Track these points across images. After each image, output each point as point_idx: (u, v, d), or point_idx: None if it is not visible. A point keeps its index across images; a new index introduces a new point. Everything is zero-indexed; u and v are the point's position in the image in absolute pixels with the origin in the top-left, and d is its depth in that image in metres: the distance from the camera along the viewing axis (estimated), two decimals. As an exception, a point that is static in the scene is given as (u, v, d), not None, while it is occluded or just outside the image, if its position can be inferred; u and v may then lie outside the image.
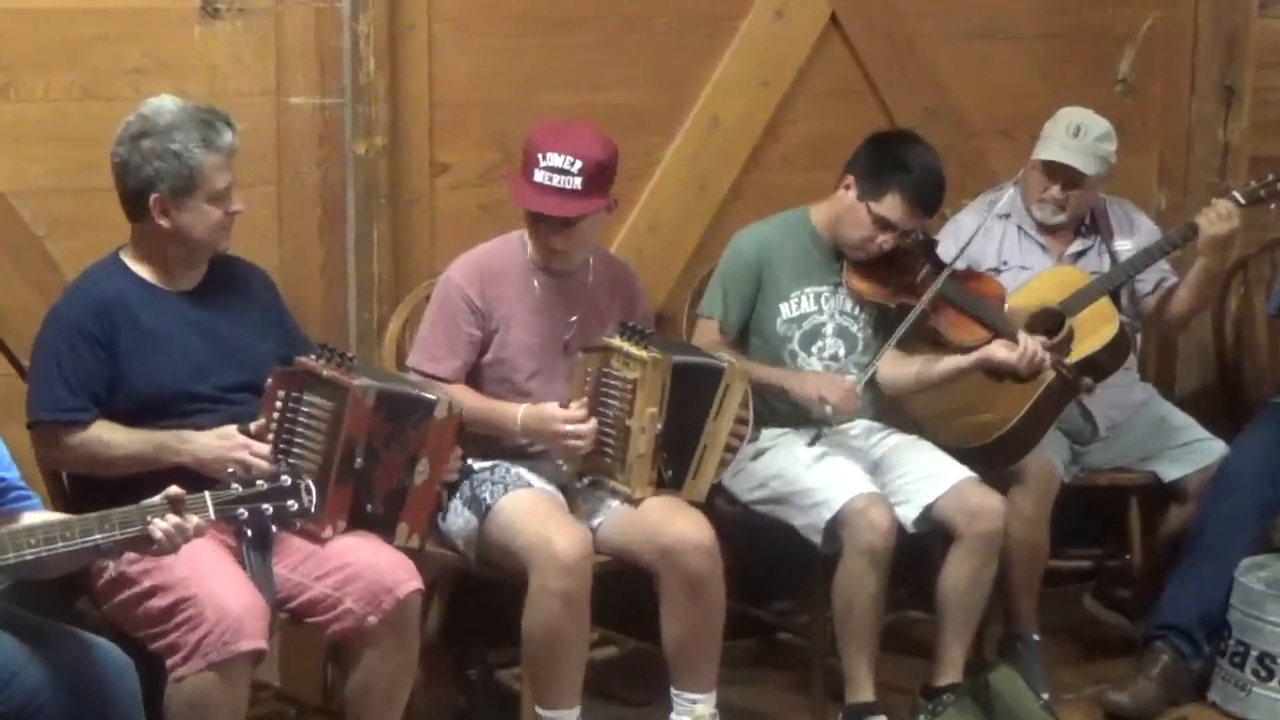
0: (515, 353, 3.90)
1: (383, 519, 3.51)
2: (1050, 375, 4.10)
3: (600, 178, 3.77)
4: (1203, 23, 5.08)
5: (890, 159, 4.09)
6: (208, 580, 3.19)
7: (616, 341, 3.78)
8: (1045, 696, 4.04)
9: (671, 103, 4.48)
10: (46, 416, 3.40)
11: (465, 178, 4.24)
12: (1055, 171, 4.41)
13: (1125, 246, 4.51)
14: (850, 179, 4.12)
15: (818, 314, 4.21)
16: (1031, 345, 4.02)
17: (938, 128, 4.67)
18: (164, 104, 3.45)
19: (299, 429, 3.42)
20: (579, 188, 3.74)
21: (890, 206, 4.07)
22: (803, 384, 4.10)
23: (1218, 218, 4.30)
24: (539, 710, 3.71)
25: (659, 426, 3.76)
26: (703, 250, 4.50)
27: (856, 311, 4.23)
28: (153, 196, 3.40)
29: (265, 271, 3.76)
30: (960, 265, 4.20)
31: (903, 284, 4.16)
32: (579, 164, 3.73)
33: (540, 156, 3.75)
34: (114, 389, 3.42)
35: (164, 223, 3.43)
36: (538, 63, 4.29)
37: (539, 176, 3.76)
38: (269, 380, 3.43)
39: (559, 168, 3.74)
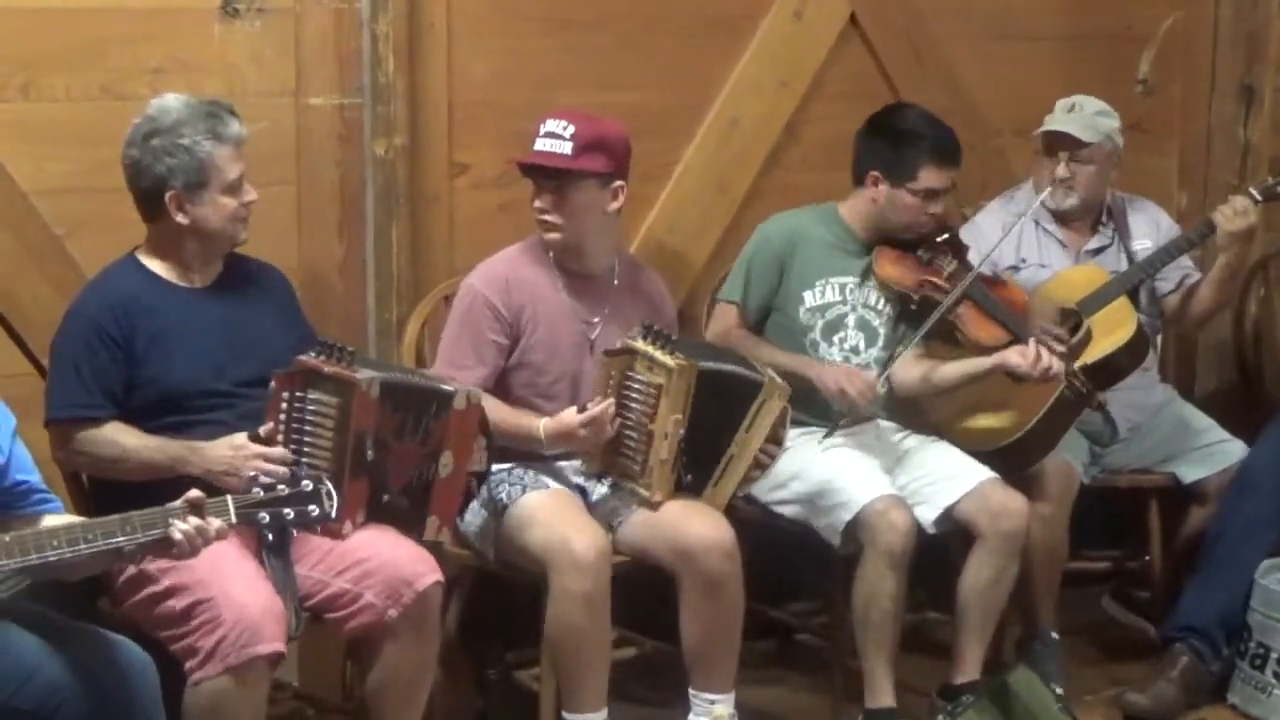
0: (540, 355, 3.90)
1: (407, 512, 3.50)
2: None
3: (594, 149, 3.80)
4: (1223, 22, 5.07)
5: (903, 136, 4.16)
6: (226, 581, 3.18)
7: (640, 345, 3.75)
8: (1060, 691, 4.02)
9: (690, 103, 4.48)
10: (62, 414, 3.41)
11: (484, 178, 4.24)
12: (1055, 145, 4.41)
13: (1145, 245, 4.50)
14: (875, 174, 4.15)
15: (841, 304, 4.22)
16: (1045, 355, 4.00)
17: (956, 128, 4.61)
18: (169, 102, 3.47)
19: (307, 428, 3.41)
20: (568, 152, 3.78)
21: (927, 177, 4.13)
22: (823, 375, 4.10)
23: (1234, 214, 4.30)
24: (565, 715, 3.70)
25: (682, 433, 3.75)
26: (721, 251, 4.49)
27: (880, 305, 4.23)
28: (168, 194, 3.42)
29: (279, 270, 3.76)
30: (985, 270, 4.21)
31: (929, 276, 4.17)
32: (571, 129, 3.79)
33: (542, 125, 3.83)
34: (131, 387, 3.42)
35: (181, 219, 3.44)
36: (556, 63, 4.29)
37: (538, 144, 3.83)
38: (271, 383, 3.41)
39: (553, 131, 3.82)
